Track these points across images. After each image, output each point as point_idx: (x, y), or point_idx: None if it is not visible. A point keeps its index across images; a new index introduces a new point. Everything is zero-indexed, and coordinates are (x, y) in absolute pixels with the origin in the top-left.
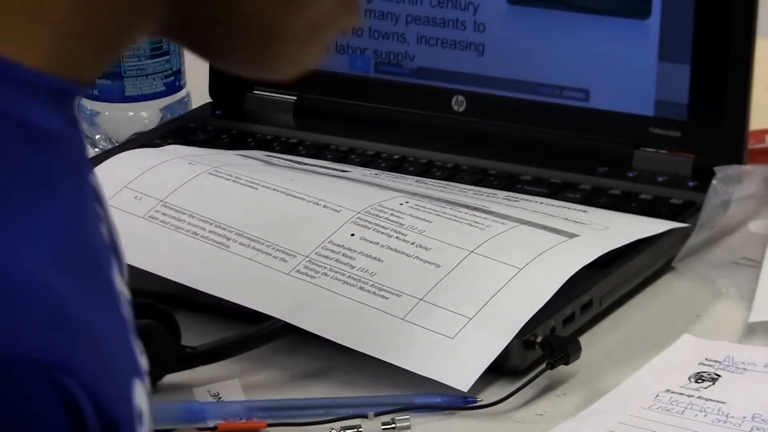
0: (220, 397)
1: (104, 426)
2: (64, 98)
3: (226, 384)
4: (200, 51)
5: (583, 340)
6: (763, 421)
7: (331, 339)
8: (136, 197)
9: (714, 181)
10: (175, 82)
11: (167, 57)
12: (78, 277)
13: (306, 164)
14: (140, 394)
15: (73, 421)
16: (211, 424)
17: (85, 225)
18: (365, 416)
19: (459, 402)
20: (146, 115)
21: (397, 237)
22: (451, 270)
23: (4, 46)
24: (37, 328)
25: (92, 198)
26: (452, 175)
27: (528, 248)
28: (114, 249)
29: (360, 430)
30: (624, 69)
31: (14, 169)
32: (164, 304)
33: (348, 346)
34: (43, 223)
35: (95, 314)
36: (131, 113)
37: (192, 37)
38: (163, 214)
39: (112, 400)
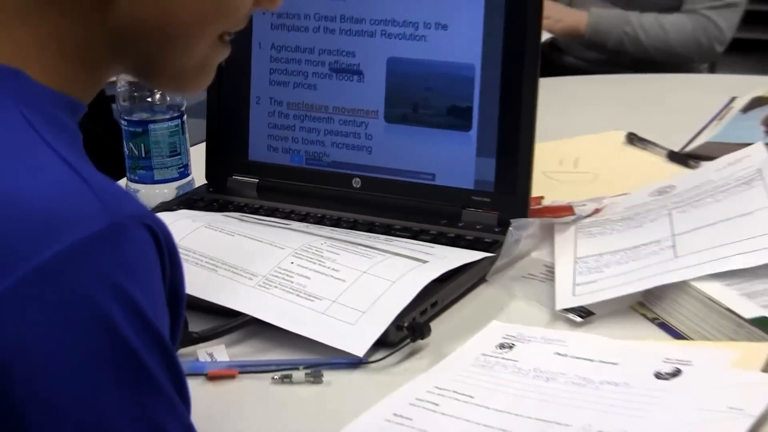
0: (214, 358)
1: (168, 252)
2: (75, 111)
3: (216, 349)
4: (143, 82)
5: (433, 324)
6: (541, 372)
7: (280, 326)
8: None
9: (510, 228)
10: (185, 171)
11: (180, 156)
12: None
13: (264, 220)
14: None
15: (156, 244)
16: (207, 372)
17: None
18: (297, 368)
19: (357, 361)
20: (167, 191)
21: (319, 264)
22: (351, 283)
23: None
24: (129, 200)
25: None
26: (353, 226)
27: (398, 270)
28: None
29: (291, 376)
30: (456, 161)
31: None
32: None
33: (290, 330)
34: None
35: None
36: (158, 190)
37: (139, 75)
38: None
39: (170, 238)
